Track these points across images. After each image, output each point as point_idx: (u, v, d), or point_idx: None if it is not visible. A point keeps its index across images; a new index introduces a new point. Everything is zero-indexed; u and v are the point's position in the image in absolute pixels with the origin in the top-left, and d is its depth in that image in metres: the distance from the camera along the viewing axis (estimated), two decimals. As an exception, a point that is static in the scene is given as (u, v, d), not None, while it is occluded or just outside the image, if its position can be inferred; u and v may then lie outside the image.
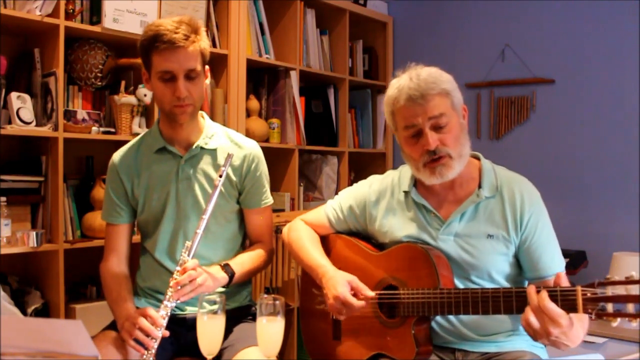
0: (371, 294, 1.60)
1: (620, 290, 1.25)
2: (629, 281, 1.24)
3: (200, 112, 1.81)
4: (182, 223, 1.77)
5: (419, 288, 1.55)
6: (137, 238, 1.92)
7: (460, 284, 1.59)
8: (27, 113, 2.21)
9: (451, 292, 1.49)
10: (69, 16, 2.31)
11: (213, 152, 1.79)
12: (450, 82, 1.58)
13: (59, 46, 2.23)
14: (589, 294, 1.28)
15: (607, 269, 2.68)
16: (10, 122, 2.18)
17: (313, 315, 1.85)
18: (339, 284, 1.60)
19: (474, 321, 1.58)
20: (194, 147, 1.76)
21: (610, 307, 1.26)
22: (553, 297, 1.32)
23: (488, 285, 1.58)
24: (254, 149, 1.83)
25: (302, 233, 1.84)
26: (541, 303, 1.31)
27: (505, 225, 1.57)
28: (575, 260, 2.89)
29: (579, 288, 1.30)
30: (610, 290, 1.26)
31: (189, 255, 1.60)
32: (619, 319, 1.24)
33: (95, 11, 2.39)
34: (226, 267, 1.71)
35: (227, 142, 1.82)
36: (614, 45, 3.01)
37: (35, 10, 2.17)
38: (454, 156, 1.55)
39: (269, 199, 1.87)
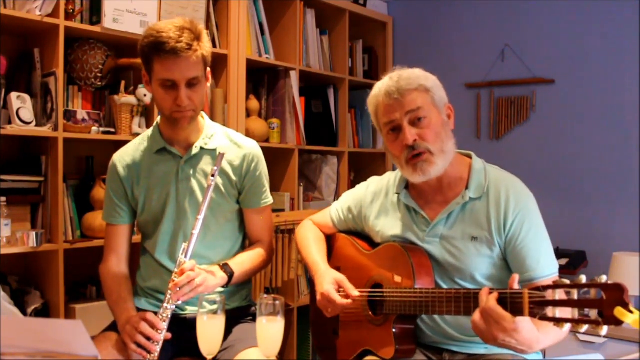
0: (356, 293, 1.63)
1: (570, 294, 1.22)
2: (574, 285, 1.21)
3: None
4: (182, 223, 1.77)
5: (398, 287, 1.57)
6: (137, 238, 1.92)
7: (444, 286, 1.59)
8: (27, 113, 2.21)
9: (422, 292, 1.50)
10: (69, 16, 2.31)
11: (213, 153, 1.78)
12: (432, 80, 1.60)
13: (59, 46, 2.23)
14: (535, 298, 1.26)
15: (607, 269, 2.68)
16: (10, 122, 2.18)
17: (319, 311, 1.87)
18: (327, 281, 1.65)
19: (459, 321, 1.58)
20: (193, 147, 1.76)
21: (557, 311, 1.22)
22: (503, 299, 1.31)
23: (471, 287, 1.56)
24: (253, 148, 1.84)
25: (308, 232, 1.92)
26: (486, 304, 1.31)
27: (489, 227, 1.56)
28: (575, 260, 2.89)
29: (525, 291, 1.28)
30: (557, 294, 1.23)
31: (186, 256, 1.60)
32: (566, 325, 1.21)
33: (95, 11, 2.39)
34: (225, 267, 1.72)
35: (227, 142, 1.82)
36: (614, 46, 3.01)
37: (35, 10, 2.17)
38: (435, 152, 1.54)
39: (268, 199, 1.87)
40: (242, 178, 1.81)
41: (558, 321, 1.22)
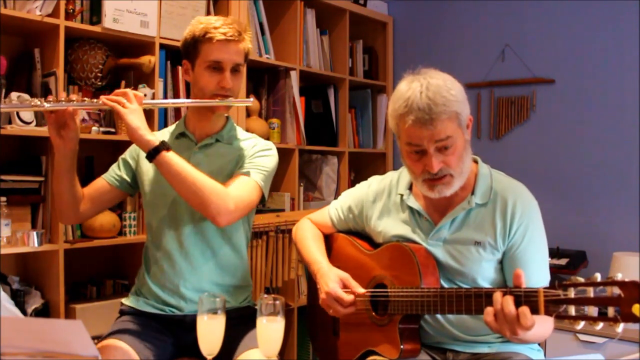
0: (362, 291, 1.63)
1: (585, 292, 1.22)
2: (590, 283, 1.22)
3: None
4: (183, 207, 1.75)
5: (403, 286, 1.56)
6: (142, 237, 1.90)
7: (446, 287, 1.59)
8: (27, 113, 2.20)
9: (430, 291, 1.50)
10: (69, 16, 2.31)
11: (228, 146, 1.81)
12: (462, 98, 1.53)
13: (59, 46, 2.23)
14: (551, 296, 1.26)
15: (607, 269, 2.68)
16: (10, 122, 2.18)
17: (318, 311, 1.87)
18: (331, 280, 1.64)
19: (463, 321, 1.58)
20: (209, 137, 1.81)
21: (572, 309, 1.24)
22: (517, 298, 1.31)
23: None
24: (268, 142, 1.87)
25: (307, 231, 1.90)
26: (505, 309, 1.31)
27: (494, 232, 1.56)
28: (575, 260, 2.89)
29: (540, 290, 1.28)
30: (572, 293, 1.23)
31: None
32: (582, 322, 1.22)
33: (95, 11, 2.39)
34: (163, 142, 1.61)
35: (245, 141, 1.84)
36: (614, 45, 3.01)
37: (35, 10, 2.17)
38: (455, 175, 1.53)
39: (255, 176, 1.74)
40: (246, 157, 1.80)
41: (575, 319, 1.23)
